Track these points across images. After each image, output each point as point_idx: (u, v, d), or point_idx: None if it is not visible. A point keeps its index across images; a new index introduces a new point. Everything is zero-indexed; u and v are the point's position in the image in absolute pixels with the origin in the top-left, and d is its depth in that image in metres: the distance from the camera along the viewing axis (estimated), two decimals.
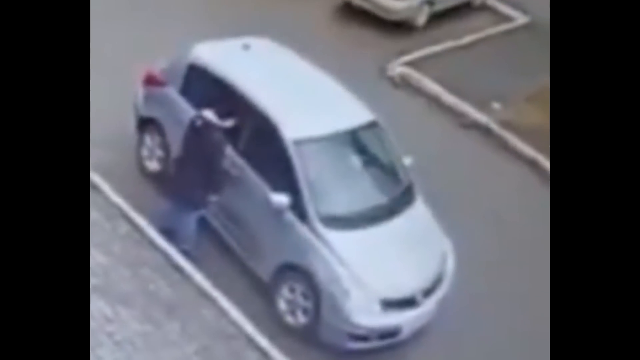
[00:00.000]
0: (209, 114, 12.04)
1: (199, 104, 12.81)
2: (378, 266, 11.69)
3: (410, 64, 18.31)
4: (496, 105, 17.24)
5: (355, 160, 12.90)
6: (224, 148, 12.06)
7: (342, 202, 12.20)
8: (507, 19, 21.31)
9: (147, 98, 13.62)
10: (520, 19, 21.19)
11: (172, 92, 13.26)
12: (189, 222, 12.21)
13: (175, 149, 12.85)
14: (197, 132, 12.08)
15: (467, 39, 19.67)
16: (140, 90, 13.70)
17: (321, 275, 11.51)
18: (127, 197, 12.76)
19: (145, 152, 13.64)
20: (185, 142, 12.24)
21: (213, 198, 12.17)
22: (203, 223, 12.43)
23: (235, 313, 11.55)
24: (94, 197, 12.54)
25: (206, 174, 11.98)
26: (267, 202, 11.85)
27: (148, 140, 13.58)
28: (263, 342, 11.33)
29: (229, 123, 12.12)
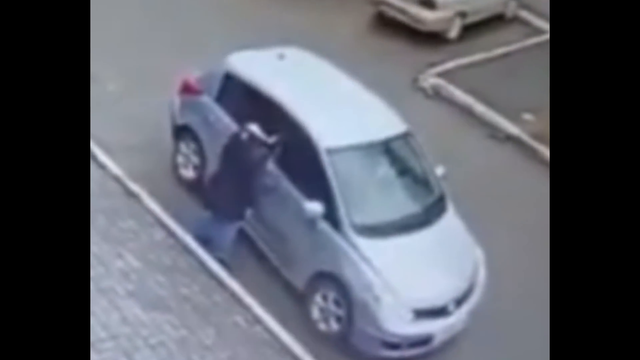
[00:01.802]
0: (254, 128, 12.06)
1: (234, 113, 12.97)
2: (410, 275, 11.75)
3: (442, 75, 18.41)
4: (527, 117, 17.29)
5: (388, 170, 12.96)
6: (265, 163, 12.14)
7: (375, 211, 12.26)
8: (539, 31, 21.33)
9: (184, 106, 13.75)
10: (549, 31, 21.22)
11: (208, 100, 13.38)
12: (227, 233, 12.30)
13: (212, 157, 12.98)
14: (239, 145, 12.12)
15: (499, 51, 19.75)
16: (176, 99, 13.82)
17: (354, 283, 11.59)
18: (162, 204, 12.92)
19: (180, 160, 13.76)
20: (225, 154, 12.28)
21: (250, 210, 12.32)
22: (240, 232, 12.52)
23: (269, 320, 11.66)
24: (130, 204, 12.80)
25: (245, 187, 12.07)
26: (301, 211, 11.95)
27: (184, 148, 13.71)
28: (296, 348, 11.44)
29: (272, 139, 12.17)
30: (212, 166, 13.00)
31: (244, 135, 12.12)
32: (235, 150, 12.16)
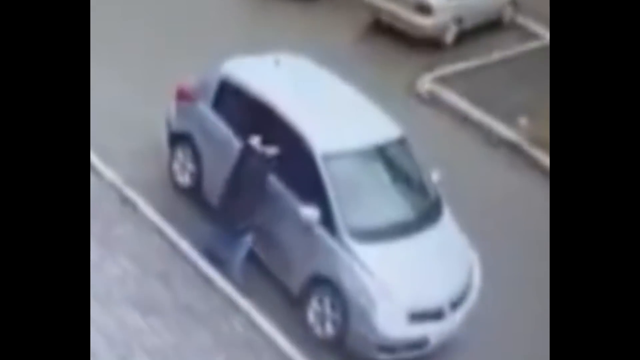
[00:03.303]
0: (254, 142, 12.04)
1: (230, 119, 13.07)
2: (405, 278, 11.82)
3: (438, 80, 18.44)
4: (523, 121, 17.32)
5: (384, 175, 13.04)
6: (267, 175, 12.09)
7: (371, 216, 12.33)
8: (535, 36, 21.36)
9: (179, 113, 13.81)
10: (548, 37, 21.24)
11: (204, 107, 13.44)
12: (239, 252, 12.26)
13: (208, 164, 13.15)
14: (244, 160, 12.10)
15: (496, 56, 19.77)
16: (172, 106, 13.89)
17: (349, 287, 11.66)
18: (159, 210, 13.04)
19: (176, 167, 13.81)
20: (234, 170, 12.20)
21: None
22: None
23: (265, 324, 11.76)
24: (126, 210, 12.88)
25: (251, 200, 12.05)
26: (297, 216, 12.02)
27: (180, 154, 13.76)
28: (293, 352, 11.52)
29: (272, 151, 12.09)
30: (209, 173, 13.13)
31: (245, 150, 12.08)
32: (242, 165, 12.13)
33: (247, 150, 12.08)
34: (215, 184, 13.07)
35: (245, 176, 12.05)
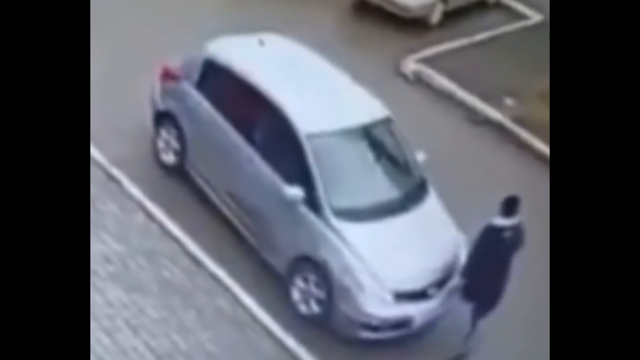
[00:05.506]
0: (498, 221, 11.55)
1: (214, 99, 13.12)
2: (390, 258, 11.84)
3: (424, 60, 18.44)
4: (509, 102, 17.37)
5: (369, 155, 13.05)
6: (518, 246, 11.79)
7: (356, 195, 12.34)
8: (521, 17, 21.43)
9: (164, 93, 13.81)
10: (535, 17, 21.31)
11: (188, 86, 13.46)
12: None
13: (192, 143, 13.27)
14: (493, 240, 11.59)
15: (481, 36, 19.79)
16: (157, 85, 13.90)
17: (334, 266, 11.69)
18: (143, 188, 13.08)
19: (161, 145, 13.81)
20: (478, 249, 11.72)
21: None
22: (221, 216, 12.54)
23: (250, 302, 11.81)
24: (111, 189, 12.96)
25: (500, 276, 11.79)
26: (282, 195, 12.04)
27: (164, 133, 13.76)
28: (277, 330, 11.57)
29: (514, 221, 11.63)
30: (192, 152, 13.27)
31: (504, 234, 11.63)
32: (487, 244, 11.64)
33: (490, 229, 11.61)
34: (198, 162, 13.24)
35: (493, 254, 11.64)
